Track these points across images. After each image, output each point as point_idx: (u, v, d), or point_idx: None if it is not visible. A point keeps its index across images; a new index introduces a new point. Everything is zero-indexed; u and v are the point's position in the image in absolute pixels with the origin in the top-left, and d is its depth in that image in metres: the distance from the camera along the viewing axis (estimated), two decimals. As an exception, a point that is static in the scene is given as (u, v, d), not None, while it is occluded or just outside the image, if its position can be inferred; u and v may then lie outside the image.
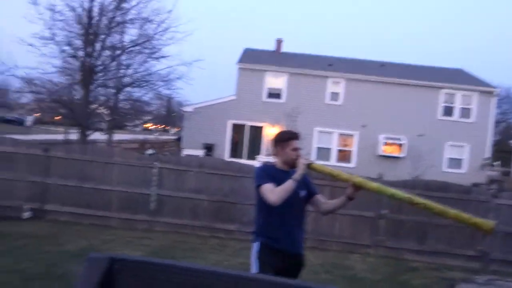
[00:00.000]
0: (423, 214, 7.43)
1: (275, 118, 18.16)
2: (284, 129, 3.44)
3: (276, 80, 20.04)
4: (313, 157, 18.82)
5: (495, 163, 22.37)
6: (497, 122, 31.10)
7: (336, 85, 19.93)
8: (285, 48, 23.43)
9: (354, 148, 19.79)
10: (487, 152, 19.73)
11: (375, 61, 22.73)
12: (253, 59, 20.88)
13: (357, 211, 7.44)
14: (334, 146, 19.85)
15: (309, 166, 2.77)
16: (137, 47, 16.89)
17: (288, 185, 2.68)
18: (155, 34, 16.14)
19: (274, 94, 19.94)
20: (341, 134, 19.88)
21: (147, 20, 16.01)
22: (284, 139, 2.91)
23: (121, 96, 18.04)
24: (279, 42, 23.40)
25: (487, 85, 20.26)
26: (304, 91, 19.47)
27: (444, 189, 7.63)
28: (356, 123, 19.45)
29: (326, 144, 19.73)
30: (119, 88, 17.30)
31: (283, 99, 19.72)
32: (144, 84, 17.63)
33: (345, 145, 20.02)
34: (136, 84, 17.92)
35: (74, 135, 16.47)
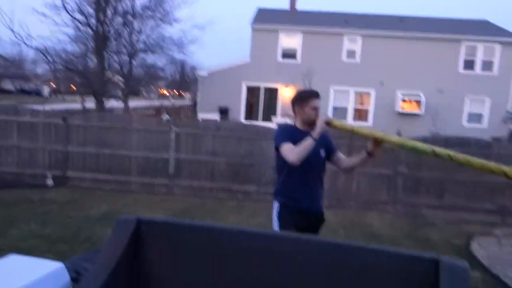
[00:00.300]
0: (441, 170, 7.39)
1: (291, 79, 17.92)
2: (301, 89, 3.37)
3: (290, 40, 19.62)
4: (330, 115, 18.67)
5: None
6: (521, 74, 30.00)
7: (352, 43, 19.40)
8: (299, 6, 22.84)
9: (371, 106, 19.50)
10: (510, 106, 19.20)
11: (393, 15, 21.95)
12: (267, 18, 20.40)
13: (374, 169, 7.43)
14: (351, 104, 19.60)
15: (328, 123, 2.72)
16: (149, 12, 16.68)
17: (307, 143, 2.65)
18: (166, -3, 15.89)
19: (289, 54, 19.57)
20: (357, 93, 19.56)
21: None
22: (303, 98, 2.86)
23: (135, 63, 18.02)
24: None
25: (511, 35, 19.41)
26: (320, 50, 19.05)
27: (464, 144, 7.52)
28: (373, 81, 19.05)
29: (342, 103, 19.47)
30: (133, 55, 17.26)
31: (298, 59, 19.36)
32: (157, 50, 17.53)
33: (362, 103, 19.74)
34: (149, 49, 17.82)
35: (90, 104, 16.65)
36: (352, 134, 2.75)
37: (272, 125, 14.51)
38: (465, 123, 18.87)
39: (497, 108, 18.80)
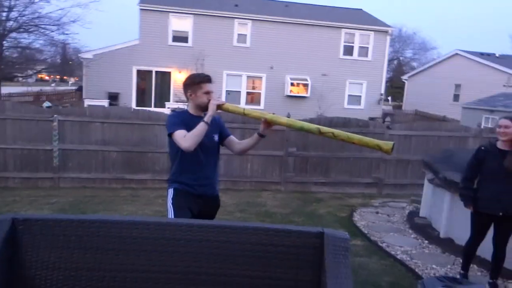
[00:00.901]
0: (326, 149, 8.00)
1: (183, 63, 17.65)
2: (193, 73, 3.34)
3: (181, 22, 19.23)
4: (224, 99, 18.88)
5: (388, 98, 24.50)
6: (390, 60, 33.58)
7: (243, 27, 19.72)
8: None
9: (262, 90, 20.16)
10: (382, 89, 21.40)
11: (279, 1, 22.78)
12: (156, -1, 19.69)
13: (267, 151, 7.75)
14: (243, 88, 20.03)
15: (220, 107, 2.74)
16: (19, -14, 15.00)
17: (200, 128, 2.65)
18: (39, -30, 14.39)
19: (181, 38, 19.20)
20: (249, 77, 20.04)
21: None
22: (196, 82, 2.82)
23: (6, 43, 16.13)
24: (182, -19, 22.22)
25: (383, 24, 21.50)
26: (211, 33, 19.02)
27: (346, 124, 8.19)
28: (264, 65, 19.67)
29: (235, 87, 19.80)
30: (3, 34, 15.41)
31: (190, 43, 19.11)
32: (32, 29, 15.90)
33: (254, 88, 20.30)
34: (23, 29, 16.09)
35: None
36: (244, 116, 2.83)
37: (166, 110, 14.20)
38: (346, 104, 20.55)
39: (373, 90, 20.81)
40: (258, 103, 20.01)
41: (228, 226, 1.53)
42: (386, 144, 2.36)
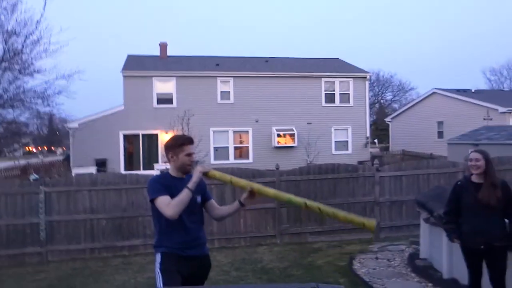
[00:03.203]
0: (318, 196, 7.92)
1: (169, 124, 17.75)
2: (179, 133, 3.34)
3: (164, 85, 19.66)
4: (211, 157, 18.88)
5: (375, 141, 24.83)
6: (372, 104, 34.43)
7: (225, 84, 20.20)
8: (170, 52, 23.11)
9: (249, 143, 20.29)
10: (367, 132, 21.72)
11: (259, 57, 23.57)
12: (138, 65, 20.22)
13: (259, 204, 7.63)
14: (231, 144, 20.14)
15: (206, 174, 2.73)
16: (4, 63, 15.27)
17: (184, 195, 2.62)
18: (23, 47, 14.72)
19: (165, 100, 19.54)
20: (236, 132, 20.23)
21: (12, 33, 14.54)
22: (177, 144, 2.81)
23: (-10, 120, 16.18)
24: (163, 46, 22.97)
25: (361, 70, 22.25)
26: (195, 93, 19.40)
27: (335, 170, 8.19)
28: (249, 119, 19.94)
29: (222, 143, 19.92)
30: (-13, 111, 15.49)
31: (174, 104, 19.41)
32: (17, 104, 16.01)
33: (241, 142, 20.43)
34: (8, 104, 16.19)
35: None
36: (230, 184, 2.81)
37: (155, 172, 14.12)
38: (334, 150, 20.72)
39: (358, 135, 21.11)
40: (247, 157, 20.06)
41: None
42: (369, 222, 2.44)
